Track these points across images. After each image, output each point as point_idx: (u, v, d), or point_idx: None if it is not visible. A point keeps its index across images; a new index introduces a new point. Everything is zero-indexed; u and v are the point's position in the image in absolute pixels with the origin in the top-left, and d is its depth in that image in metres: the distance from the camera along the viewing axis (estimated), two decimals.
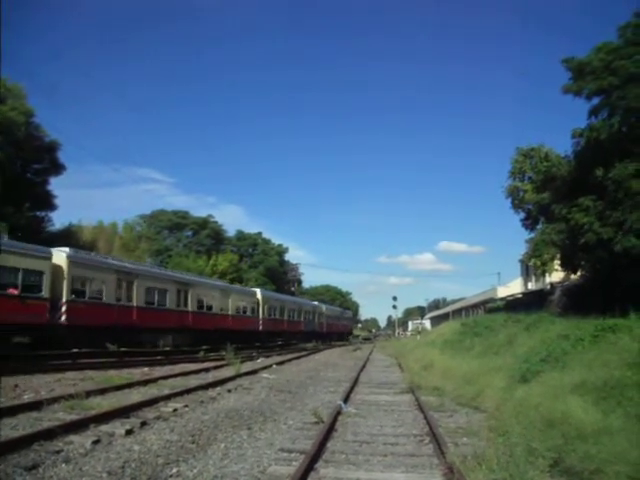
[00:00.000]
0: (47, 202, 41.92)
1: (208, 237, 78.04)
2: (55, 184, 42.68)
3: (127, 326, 26.73)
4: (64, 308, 22.84)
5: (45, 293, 21.81)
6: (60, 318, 22.69)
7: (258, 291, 45.58)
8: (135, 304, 27.59)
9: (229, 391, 13.87)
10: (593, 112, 19.10)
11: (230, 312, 38.47)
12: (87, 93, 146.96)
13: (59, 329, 22.58)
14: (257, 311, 43.15)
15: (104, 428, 8.22)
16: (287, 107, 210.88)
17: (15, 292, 20.50)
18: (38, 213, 42.30)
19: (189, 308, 32.83)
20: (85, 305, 24.18)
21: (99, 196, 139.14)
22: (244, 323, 40.67)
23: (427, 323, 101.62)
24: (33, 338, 21.71)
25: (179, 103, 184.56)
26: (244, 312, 41.10)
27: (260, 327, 43.22)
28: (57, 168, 41.31)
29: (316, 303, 67.36)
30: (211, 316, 35.79)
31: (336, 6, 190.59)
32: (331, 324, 69.17)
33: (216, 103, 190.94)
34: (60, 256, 23.22)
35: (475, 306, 62.62)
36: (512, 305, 37.75)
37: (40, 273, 21.69)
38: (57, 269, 22.77)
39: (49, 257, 22.48)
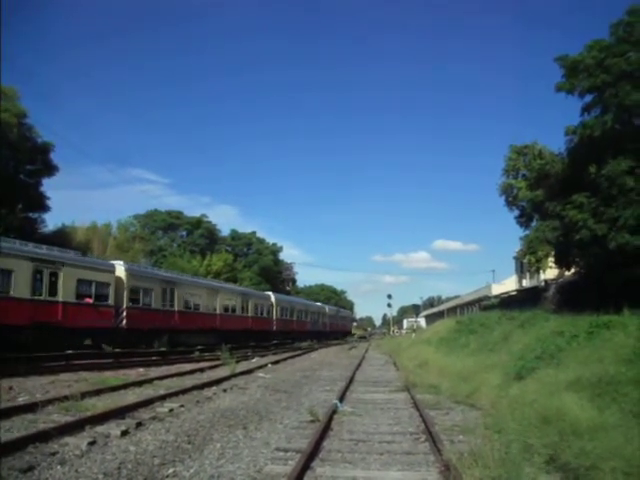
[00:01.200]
0: (40, 203, 41.70)
1: (202, 237, 77.99)
2: (48, 185, 42.51)
3: (170, 328, 30.21)
4: (124, 314, 26.47)
5: (111, 301, 25.51)
6: (121, 322, 26.32)
7: (272, 295, 49.67)
8: (176, 309, 31.31)
9: (225, 391, 13.86)
10: (586, 109, 19.17)
11: (250, 314, 42.32)
12: (81, 94, 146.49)
13: (121, 332, 26.16)
14: (271, 313, 47.28)
15: (100, 429, 8.19)
16: (281, 107, 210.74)
17: (90, 301, 24.20)
18: (31, 214, 42.10)
19: (217, 311, 36.67)
20: (139, 311, 27.77)
21: (93, 197, 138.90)
22: (261, 324, 44.69)
23: (422, 321, 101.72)
24: (101, 339, 24.92)
25: (173, 104, 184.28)
26: (261, 314, 44.95)
27: (274, 327, 47.37)
28: (50, 169, 41.05)
29: (320, 304, 72.46)
30: (235, 318, 39.49)
31: (331, 6, 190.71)
32: (333, 323, 73.81)
33: (210, 104, 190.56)
34: (120, 269, 26.84)
35: (470, 304, 62.73)
36: (507, 302, 37.82)
37: (107, 284, 25.43)
38: (119, 280, 26.38)
39: (113, 270, 26.21)
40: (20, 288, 20.57)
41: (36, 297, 21.26)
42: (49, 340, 21.54)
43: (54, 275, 22.34)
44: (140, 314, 27.64)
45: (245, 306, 41.67)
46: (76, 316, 23.02)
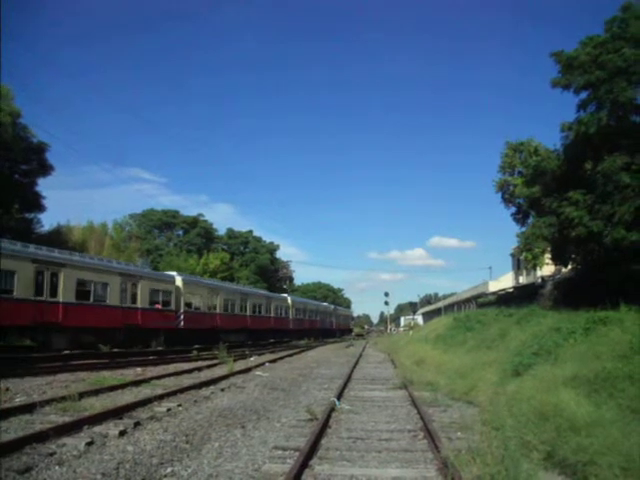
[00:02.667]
0: (36, 203, 41.60)
1: (198, 236, 77.89)
2: (44, 185, 42.45)
3: (213, 328, 35.58)
4: (182, 317, 31.93)
5: (173, 306, 30.98)
6: (180, 324, 31.69)
7: (289, 297, 56.24)
8: (218, 312, 36.89)
9: (222, 390, 13.85)
10: (582, 106, 19.15)
11: (272, 315, 48.25)
12: (76, 94, 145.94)
13: (179, 332, 31.50)
14: (288, 313, 53.49)
15: (97, 429, 8.19)
16: (276, 106, 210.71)
17: (159, 307, 29.67)
18: (27, 215, 41.99)
19: (247, 313, 42.28)
20: (192, 314, 33.30)
21: (89, 197, 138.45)
22: (281, 323, 51.02)
23: (419, 319, 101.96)
24: (166, 338, 29.99)
25: (169, 103, 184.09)
26: (281, 314, 51.07)
27: (291, 326, 53.62)
28: (45, 169, 40.98)
29: (326, 304, 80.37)
30: (261, 319, 45.34)
31: (328, 6, 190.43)
32: (338, 322, 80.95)
33: (206, 103, 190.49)
34: (179, 280, 32.35)
35: (467, 301, 62.83)
36: (504, 299, 37.89)
37: (170, 292, 30.96)
38: (177, 289, 31.70)
39: (174, 281, 31.72)
40: (114, 298, 25.95)
41: (125, 305, 26.76)
42: (133, 338, 27.02)
43: (134, 286, 27.75)
44: (193, 316, 33.26)
45: (268, 308, 47.26)
46: (150, 319, 28.57)
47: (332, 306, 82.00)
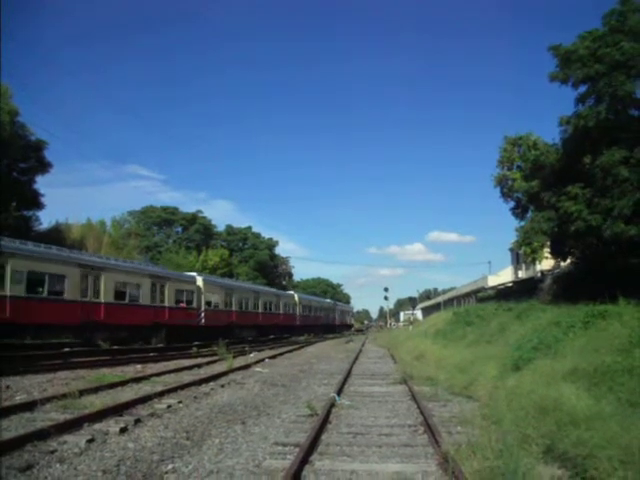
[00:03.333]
0: (34, 201, 41.53)
1: (198, 232, 77.87)
2: (42, 183, 42.35)
3: (229, 325, 38.70)
4: (203, 314, 34.85)
5: (195, 305, 33.85)
6: (201, 321, 34.59)
7: (295, 294, 59.43)
8: (233, 309, 40.05)
9: (222, 386, 13.87)
10: (580, 100, 19.11)
11: (281, 312, 51.51)
12: (74, 93, 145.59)
13: (200, 328, 34.16)
14: (295, 310, 56.72)
15: (98, 427, 8.20)
16: (275, 103, 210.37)
17: (184, 305, 32.53)
18: (25, 212, 41.93)
19: (259, 310, 45.30)
20: (211, 312, 36.21)
21: (88, 194, 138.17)
22: (289, 319, 54.07)
23: (419, 313, 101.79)
24: (190, 334, 32.46)
25: (167, 100, 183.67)
26: (288, 311, 54.09)
27: (297, 322, 56.83)
28: (44, 167, 40.90)
29: (329, 300, 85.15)
30: (271, 315, 48.48)
31: (327, 4, 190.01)
32: (341, 318, 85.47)
33: (204, 100, 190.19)
34: (199, 280, 35.30)
35: (466, 295, 62.88)
36: (503, 294, 37.97)
37: (192, 292, 33.74)
38: (198, 289, 34.57)
39: (195, 282, 34.63)
40: (145, 298, 28.59)
41: (154, 304, 29.29)
42: (160, 335, 29.64)
43: (162, 287, 30.29)
44: (212, 314, 36.13)
45: (278, 305, 50.50)
46: (176, 317, 31.28)
47: (334, 302, 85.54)
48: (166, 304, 30.35)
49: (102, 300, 25.03)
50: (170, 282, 31.22)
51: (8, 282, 19.87)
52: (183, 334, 31.71)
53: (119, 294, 26.46)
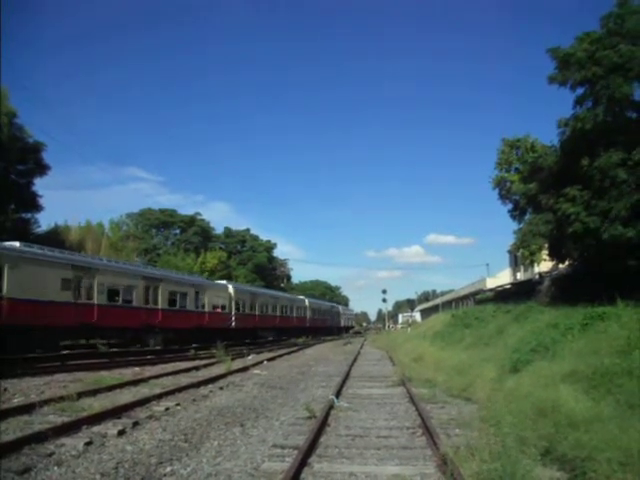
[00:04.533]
0: (32, 203, 41.47)
1: (196, 235, 77.81)
2: (40, 185, 42.30)
3: (254, 327, 43.30)
4: (233, 318, 38.85)
5: (228, 310, 38.01)
6: (232, 324, 38.52)
7: (306, 299, 64.42)
8: (257, 313, 43.84)
9: (221, 388, 13.87)
10: (578, 102, 19.14)
11: (295, 315, 55.96)
12: (73, 94, 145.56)
13: (231, 330, 37.92)
14: (306, 313, 61.26)
15: (96, 429, 8.19)
16: (273, 105, 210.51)
17: (220, 310, 36.71)
18: (24, 215, 41.88)
19: (277, 313, 49.50)
20: (240, 316, 40.02)
21: (86, 197, 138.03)
22: (300, 322, 58.51)
23: (417, 316, 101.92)
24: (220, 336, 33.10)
25: (166, 102, 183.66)
26: (300, 314, 58.58)
27: (307, 324, 61.16)
28: (42, 169, 40.83)
29: (334, 304, 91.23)
30: (286, 318, 52.65)
31: (328, 3, 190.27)
32: (344, 320, 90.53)
33: (202, 102, 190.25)
34: (230, 287, 39.76)
35: (465, 297, 62.85)
36: (501, 296, 37.90)
37: (225, 298, 37.95)
38: (230, 295, 38.75)
39: (227, 289, 39.10)
40: (190, 304, 32.31)
41: (197, 310, 33.37)
42: (201, 337, 32.69)
43: (203, 295, 34.31)
44: (241, 318, 40.03)
45: (292, 309, 55.13)
46: (213, 320, 35.36)
47: (339, 306, 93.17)
48: (206, 309, 34.73)
49: (159, 307, 28.94)
50: (209, 290, 35.84)
51: (95, 293, 24.11)
52: (218, 336, 32.36)
53: (171, 301, 30.52)
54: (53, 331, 21.30)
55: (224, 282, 41.90)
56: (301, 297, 65.67)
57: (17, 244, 21.54)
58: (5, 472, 5.94)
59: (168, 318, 29.44)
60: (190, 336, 32.02)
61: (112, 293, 25.67)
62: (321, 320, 69.31)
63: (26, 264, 20.46)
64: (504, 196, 31.54)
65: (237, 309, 39.59)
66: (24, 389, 12.85)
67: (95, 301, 24.03)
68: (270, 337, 46.52)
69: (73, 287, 22.82)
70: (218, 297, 36.98)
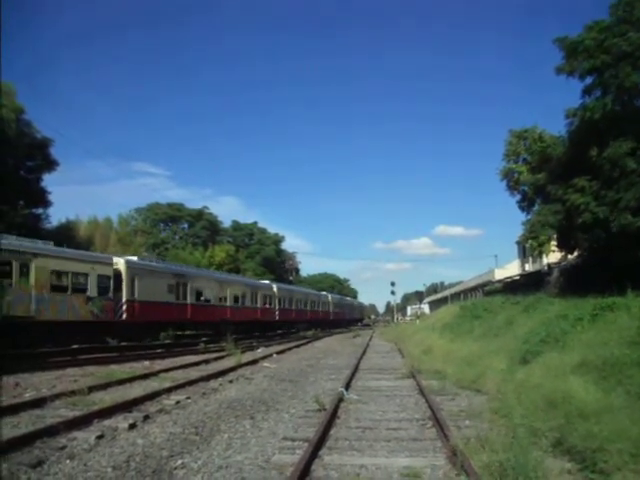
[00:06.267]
0: (41, 199, 41.70)
1: (204, 229, 77.90)
2: (49, 181, 42.50)
3: (292, 320, 52.09)
4: (277, 312, 47.83)
5: (274, 306, 47.08)
6: (276, 317, 47.53)
7: (329, 295, 74.52)
8: (293, 308, 53.03)
9: (230, 382, 13.91)
10: (586, 91, 18.97)
11: (320, 309, 65.15)
12: (80, 90, 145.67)
13: (276, 322, 47.38)
14: (329, 308, 70.56)
15: (107, 423, 8.24)
16: (281, 98, 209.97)
17: (268, 306, 45.29)
18: (34, 210, 42.11)
19: (308, 308, 58.96)
20: (282, 310, 48.86)
21: (95, 192, 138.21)
22: (326, 315, 68.49)
23: (426, 308, 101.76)
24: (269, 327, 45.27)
25: (173, 97, 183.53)
26: (325, 309, 68.21)
27: (331, 317, 70.72)
28: (50, 165, 41.05)
29: (350, 299, 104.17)
30: (315, 312, 61.93)
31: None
32: (359, 313, 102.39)
33: (210, 96, 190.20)
34: (275, 287, 48.61)
35: (473, 289, 62.78)
36: (510, 287, 37.80)
37: (272, 296, 46.81)
38: (274, 293, 47.45)
39: (272, 288, 47.74)
40: (249, 302, 41.42)
41: (254, 306, 42.38)
42: (255, 328, 41.27)
43: (257, 294, 43.20)
44: (282, 312, 48.70)
45: (318, 304, 64.50)
46: (264, 314, 44.32)
47: (356, 301, 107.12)
48: (258, 306, 43.31)
49: (228, 304, 37.53)
50: (260, 290, 44.36)
51: (189, 295, 31.88)
52: (267, 327, 44.55)
53: (236, 300, 38.94)
54: (165, 324, 29.01)
55: (270, 282, 50.58)
56: (324, 293, 74.78)
57: (135, 258, 29.54)
58: (18, 465, 6.00)
59: (234, 313, 38.16)
60: (248, 328, 39.72)
61: (199, 295, 33.46)
62: (341, 313, 78.98)
63: (147, 275, 28.09)
64: (512, 187, 31.33)
65: (280, 305, 48.09)
66: (35, 383, 12.95)
67: (188, 301, 31.89)
68: (303, 329, 52.67)
69: (175, 291, 30.52)
70: (266, 295, 45.21)
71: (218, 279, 37.56)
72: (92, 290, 24.13)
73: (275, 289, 47.46)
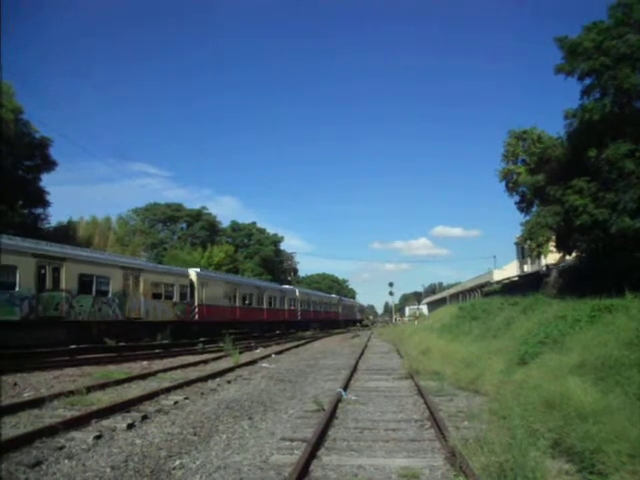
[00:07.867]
0: (40, 199, 41.60)
1: (202, 229, 77.83)
2: (47, 181, 42.49)
3: (310, 320, 59.67)
4: (299, 313, 55.80)
5: (297, 308, 54.83)
6: (298, 317, 55.42)
7: (338, 297, 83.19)
8: (311, 309, 60.64)
9: (229, 382, 13.91)
10: (585, 92, 19.03)
11: (332, 310, 73.61)
12: (79, 90, 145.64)
13: (298, 322, 55.17)
14: (338, 309, 78.06)
15: (105, 423, 8.24)
16: (280, 98, 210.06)
17: (293, 308, 53.38)
18: (34, 210, 42.03)
19: (322, 309, 66.50)
20: (303, 312, 56.98)
21: (94, 192, 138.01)
22: (335, 315, 76.04)
23: (424, 308, 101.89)
24: (292, 326, 53.15)
25: (172, 97, 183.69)
26: (334, 310, 75.25)
27: (340, 318, 78.31)
28: (49, 165, 40.92)
29: (353, 300, 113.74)
30: (327, 313, 70.00)
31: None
32: (360, 314, 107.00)
33: (209, 96, 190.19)
34: (297, 291, 56.96)
35: (472, 290, 62.76)
36: (508, 288, 37.86)
37: (294, 299, 54.48)
38: (297, 297, 55.38)
39: (295, 291, 55.99)
40: (279, 305, 48.87)
41: (282, 308, 50.21)
42: (282, 327, 49.11)
43: (284, 298, 50.76)
44: (303, 313, 57.00)
45: (330, 305, 72.68)
46: (290, 315, 52.44)
47: (359, 303, 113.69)
48: (285, 307, 50.87)
49: (264, 306, 44.89)
50: (287, 294, 52.05)
51: (237, 299, 39.26)
52: (291, 326, 52.06)
53: (269, 303, 46.25)
54: (221, 324, 34.72)
55: (293, 287, 59.43)
56: (334, 295, 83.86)
57: (198, 270, 35.42)
58: (17, 465, 6.00)
59: (269, 315, 45.85)
60: (278, 327, 47.97)
61: (244, 299, 40.78)
62: (347, 314, 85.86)
63: (210, 283, 35.39)
64: (511, 188, 31.37)
65: (301, 307, 55.73)
66: (34, 383, 12.94)
67: (237, 305, 39.30)
68: (318, 327, 61.42)
69: (228, 296, 37.68)
70: (291, 299, 52.96)
71: (258, 286, 45.41)
72: (177, 296, 31.18)
73: (297, 293, 55.96)
